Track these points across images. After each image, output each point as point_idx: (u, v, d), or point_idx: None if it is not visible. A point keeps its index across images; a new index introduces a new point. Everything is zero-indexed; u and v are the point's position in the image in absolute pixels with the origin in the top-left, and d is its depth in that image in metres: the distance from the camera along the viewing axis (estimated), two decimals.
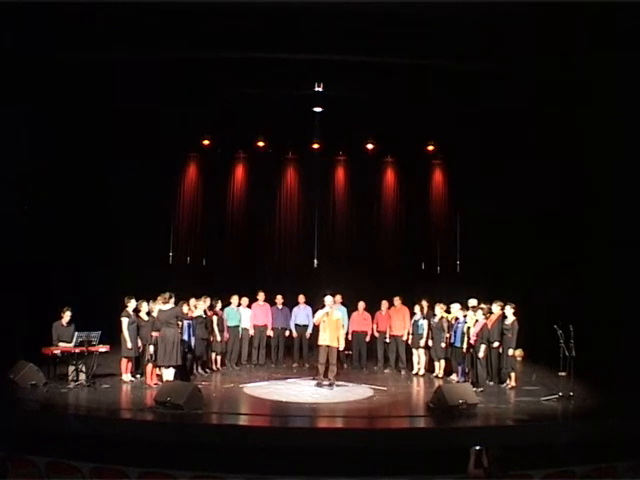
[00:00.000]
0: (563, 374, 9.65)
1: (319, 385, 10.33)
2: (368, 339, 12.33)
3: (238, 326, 12.17)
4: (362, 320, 12.30)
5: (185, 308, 10.53)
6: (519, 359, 11.92)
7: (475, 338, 10.29)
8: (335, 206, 15.50)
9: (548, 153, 12.25)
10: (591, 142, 10.99)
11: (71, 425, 7.84)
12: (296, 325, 12.53)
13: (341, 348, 10.73)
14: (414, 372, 11.75)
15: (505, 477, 5.23)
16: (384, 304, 12.32)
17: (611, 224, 10.63)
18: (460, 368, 10.86)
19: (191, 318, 10.62)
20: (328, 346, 10.30)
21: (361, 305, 12.38)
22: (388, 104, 12.68)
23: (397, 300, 12.20)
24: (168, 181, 14.87)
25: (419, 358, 11.73)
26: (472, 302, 10.86)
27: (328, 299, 10.57)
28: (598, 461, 6.27)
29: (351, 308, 12.25)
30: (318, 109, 12.88)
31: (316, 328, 10.80)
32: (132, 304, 10.14)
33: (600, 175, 10.98)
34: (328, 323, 10.33)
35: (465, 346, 10.53)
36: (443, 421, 8.28)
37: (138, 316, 10.19)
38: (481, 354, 10.16)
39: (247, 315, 12.32)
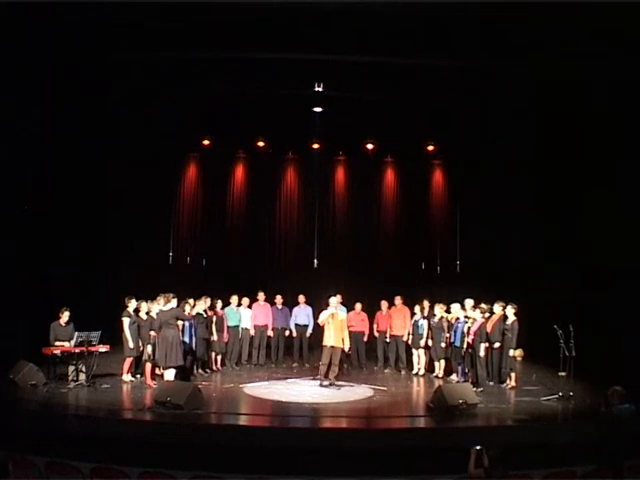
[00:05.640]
0: (563, 374, 9.66)
1: (321, 385, 10.32)
2: (366, 339, 12.33)
3: (238, 326, 12.18)
4: (359, 320, 12.29)
5: (187, 308, 10.53)
6: (519, 359, 11.92)
7: (473, 337, 10.31)
8: (335, 206, 15.49)
9: (548, 152, 12.28)
10: (590, 141, 11.02)
11: (71, 425, 7.85)
12: (296, 325, 12.53)
13: (346, 349, 10.74)
14: (414, 372, 11.75)
15: (505, 477, 5.24)
16: (384, 304, 12.32)
17: (611, 223, 10.67)
18: (460, 368, 10.86)
19: (192, 317, 10.61)
20: (333, 347, 10.30)
21: (358, 305, 12.36)
22: (388, 104, 12.68)
23: (398, 300, 12.20)
24: (168, 181, 14.88)
25: (419, 358, 11.73)
26: (469, 302, 10.87)
27: (333, 300, 10.58)
28: (598, 461, 6.27)
29: (350, 308, 12.23)
30: (318, 109, 12.89)
31: (317, 328, 10.79)
32: (133, 304, 10.16)
33: (602, 173, 10.99)
34: (333, 324, 10.33)
35: (465, 346, 10.54)
36: (443, 421, 8.28)
37: (138, 316, 10.20)
38: (481, 353, 10.17)
39: (247, 315, 12.32)
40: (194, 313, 10.76)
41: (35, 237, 11.12)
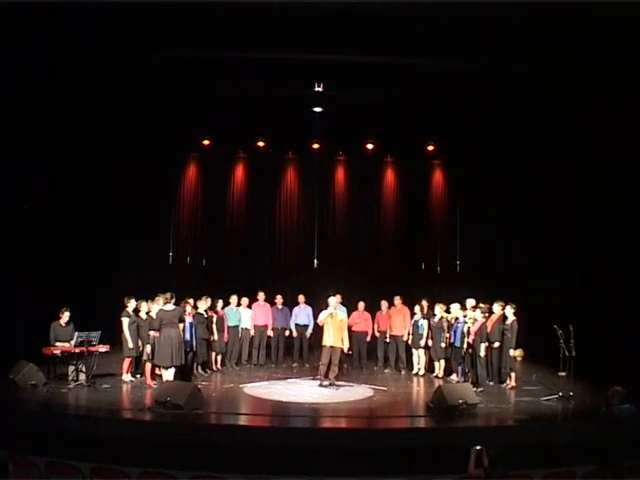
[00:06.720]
0: (563, 374, 9.66)
1: (321, 385, 10.31)
2: (368, 339, 12.32)
3: (238, 326, 12.18)
4: (362, 320, 12.29)
5: (188, 308, 10.53)
6: (519, 359, 11.91)
7: (473, 337, 10.31)
8: (335, 206, 15.50)
9: (548, 153, 12.27)
10: (593, 143, 11.01)
11: (71, 425, 7.85)
12: (296, 325, 12.53)
13: (345, 349, 10.73)
14: (414, 372, 11.75)
15: (505, 477, 5.24)
16: (384, 304, 12.32)
17: (609, 223, 10.66)
18: (460, 368, 10.86)
19: (193, 315, 10.62)
20: (332, 347, 10.30)
21: (361, 305, 12.37)
22: (388, 104, 12.66)
23: (397, 300, 12.20)
24: (168, 181, 14.89)
25: (419, 358, 11.73)
26: (470, 302, 10.88)
27: (332, 300, 10.58)
28: (598, 461, 6.27)
29: (351, 308, 12.24)
30: (318, 109, 12.88)
31: (317, 328, 10.79)
32: (132, 304, 10.17)
33: (601, 175, 10.99)
34: (332, 324, 10.33)
35: (465, 346, 10.54)
36: (443, 421, 8.29)
37: (138, 316, 10.20)
38: (482, 353, 10.17)
39: (247, 315, 12.32)
40: (194, 313, 10.77)
41: (35, 237, 11.11)
